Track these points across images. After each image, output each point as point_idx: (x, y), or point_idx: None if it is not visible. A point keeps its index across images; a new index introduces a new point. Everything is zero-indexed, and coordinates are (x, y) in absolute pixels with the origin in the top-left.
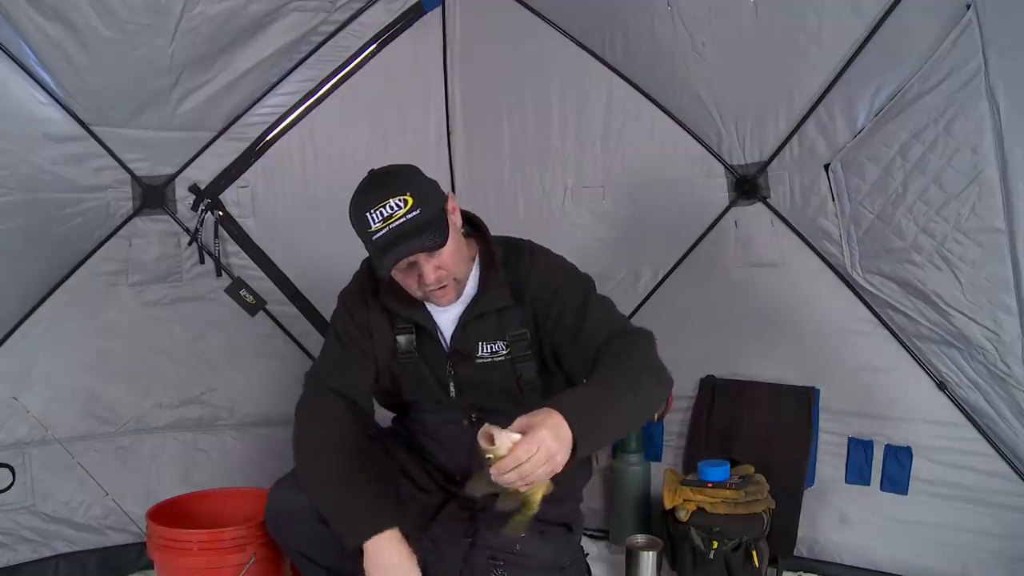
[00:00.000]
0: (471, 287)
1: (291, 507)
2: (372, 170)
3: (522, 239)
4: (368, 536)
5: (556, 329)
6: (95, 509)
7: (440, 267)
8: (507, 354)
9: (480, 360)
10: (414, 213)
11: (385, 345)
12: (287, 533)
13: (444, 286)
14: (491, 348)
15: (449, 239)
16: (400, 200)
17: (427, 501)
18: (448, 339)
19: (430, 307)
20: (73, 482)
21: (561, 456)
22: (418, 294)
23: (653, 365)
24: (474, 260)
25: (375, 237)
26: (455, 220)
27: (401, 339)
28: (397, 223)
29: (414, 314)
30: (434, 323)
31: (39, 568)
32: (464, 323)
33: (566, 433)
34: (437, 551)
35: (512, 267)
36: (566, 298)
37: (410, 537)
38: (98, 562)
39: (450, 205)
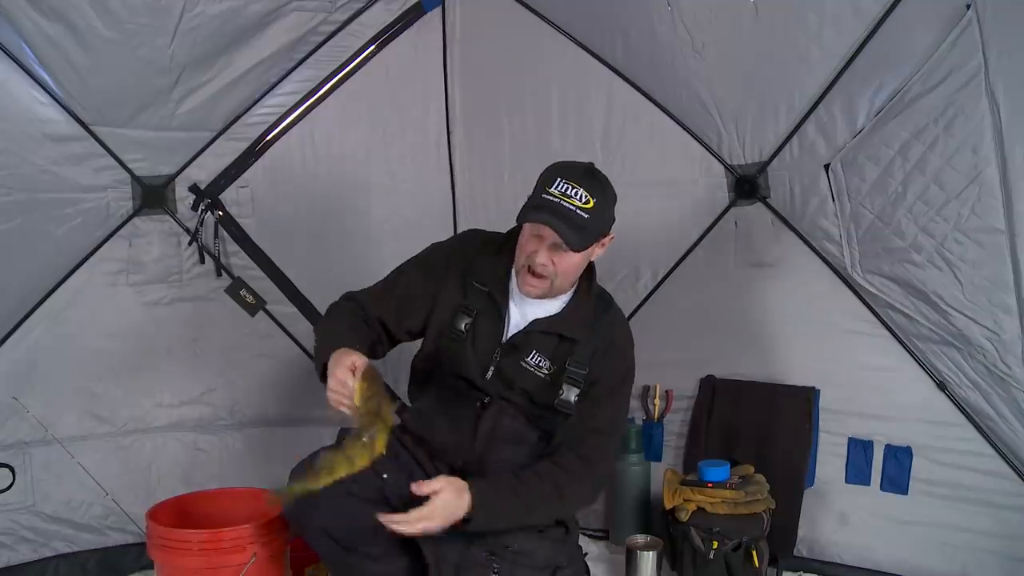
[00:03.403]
0: (556, 307)
1: None
2: (592, 163)
3: (611, 296)
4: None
5: (583, 391)
6: (95, 509)
7: (554, 262)
8: (548, 374)
9: (524, 364)
10: (584, 214)
11: (444, 313)
12: (308, 507)
13: (542, 276)
14: (538, 362)
15: (579, 255)
16: (587, 197)
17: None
18: (509, 330)
19: (511, 293)
20: (73, 482)
21: (436, 525)
22: (520, 261)
23: (585, 489)
24: (572, 287)
25: (544, 195)
26: (597, 251)
27: (459, 318)
28: (567, 205)
29: (497, 290)
30: (506, 307)
31: (39, 568)
32: (529, 330)
33: (458, 514)
34: (436, 548)
35: (599, 312)
36: (607, 378)
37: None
38: (98, 562)
39: (607, 239)
